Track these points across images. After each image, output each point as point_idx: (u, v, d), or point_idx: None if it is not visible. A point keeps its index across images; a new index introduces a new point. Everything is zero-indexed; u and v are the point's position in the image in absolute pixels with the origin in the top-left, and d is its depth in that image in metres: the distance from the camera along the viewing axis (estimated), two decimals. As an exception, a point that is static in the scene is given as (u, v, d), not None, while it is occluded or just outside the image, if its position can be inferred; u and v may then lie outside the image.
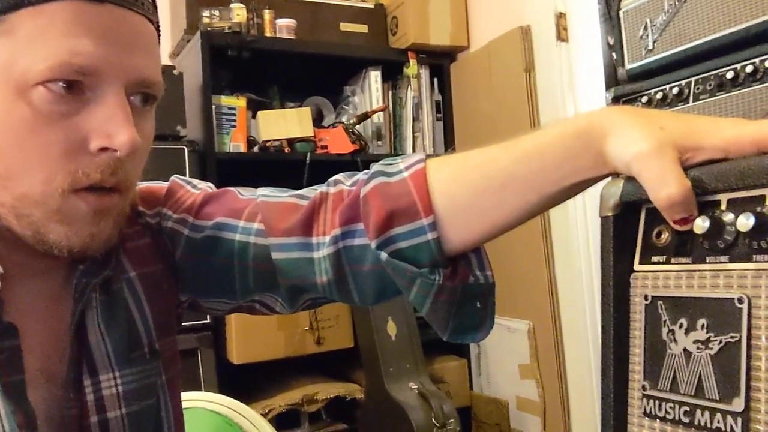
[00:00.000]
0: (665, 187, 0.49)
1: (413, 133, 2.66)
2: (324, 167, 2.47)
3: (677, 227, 0.52)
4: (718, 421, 0.48)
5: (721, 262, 0.50)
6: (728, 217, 0.49)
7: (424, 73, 2.65)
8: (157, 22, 0.63)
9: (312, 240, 0.66)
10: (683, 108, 1.24)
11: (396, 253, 0.62)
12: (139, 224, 0.72)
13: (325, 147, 2.47)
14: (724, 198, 0.50)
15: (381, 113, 2.61)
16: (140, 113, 0.60)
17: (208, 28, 2.29)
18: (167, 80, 2.21)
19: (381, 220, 0.62)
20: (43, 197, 0.56)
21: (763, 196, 0.47)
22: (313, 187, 0.72)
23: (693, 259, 0.52)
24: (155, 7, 0.63)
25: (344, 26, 2.60)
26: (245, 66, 2.37)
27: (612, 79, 1.44)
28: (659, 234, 0.55)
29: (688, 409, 0.50)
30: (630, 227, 0.57)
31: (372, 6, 2.71)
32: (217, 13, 2.32)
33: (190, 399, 1.14)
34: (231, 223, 0.70)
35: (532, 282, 2.23)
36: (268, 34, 2.43)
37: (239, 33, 2.31)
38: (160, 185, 0.76)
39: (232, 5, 2.34)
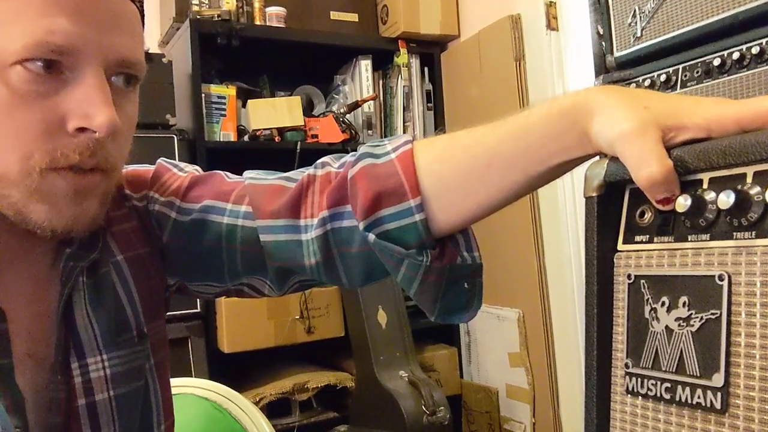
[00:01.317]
0: (646, 166, 0.49)
1: (404, 122, 2.66)
2: (314, 156, 2.44)
3: (660, 207, 0.52)
4: (699, 397, 0.48)
5: (702, 240, 0.50)
6: (710, 195, 0.49)
7: (415, 63, 2.65)
8: (140, 2, 0.62)
9: (300, 222, 0.67)
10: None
11: (384, 234, 0.62)
12: (125, 207, 0.72)
13: (316, 136, 2.46)
14: (705, 177, 0.51)
15: (371, 102, 2.61)
16: (122, 94, 0.59)
17: (198, 16, 2.28)
18: (156, 68, 2.20)
19: (368, 201, 0.62)
20: (20, 177, 0.55)
21: (744, 174, 0.48)
22: (300, 169, 0.72)
23: (675, 237, 0.52)
24: None
25: (334, 15, 2.60)
26: (235, 54, 2.36)
27: (601, 67, 1.45)
28: (642, 214, 0.55)
29: (669, 385, 0.51)
30: (614, 208, 0.57)
31: (363, -6, 2.71)
32: (206, 0, 2.31)
33: (179, 385, 1.14)
34: (218, 206, 0.70)
35: (521, 271, 2.24)
36: (258, 23, 2.42)
37: (229, 21, 2.30)
38: (146, 168, 0.76)
39: (221, -7, 2.32)
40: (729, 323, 0.47)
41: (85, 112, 0.55)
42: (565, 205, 2.09)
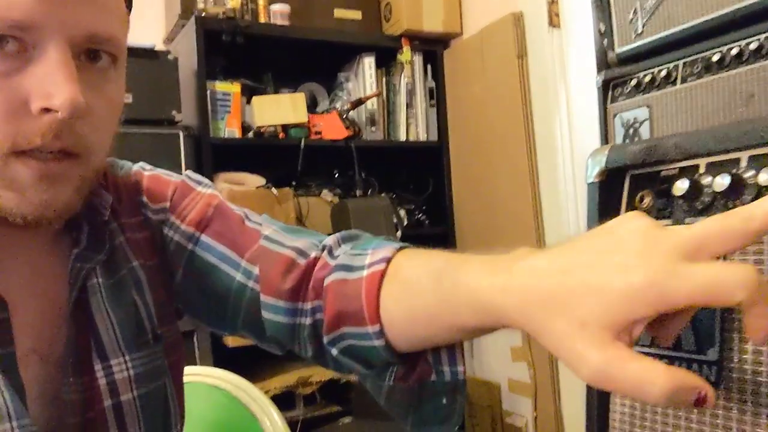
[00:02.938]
0: (649, 388, 0.38)
1: (407, 119, 2.68)
2: (318, 152, 2.49)
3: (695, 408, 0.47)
4: (695, 370, 0.51)
5: (699, 222, 0.52)
6: (706, 179, 0.52)
7: (418, 60, 2.67)
8: None
9: (299, 306, 0.65)
10: (671, 90, 1.27)
11: (348, 349, 0.61)
12: (141, 215, 0.72)
13: (319, 133, 2.49)
14: (702, 162, 0.53)
15: (375, 99, 2.63)
16: (97, 73, 0.56)
17: (203, 14, 2.30)
18: (162, 65, 2.23)
19: (331, 318, 0.61)
20: None
21: (738, 159, 0.50)
22: (314, 238, 0.69)
23: (674, 220, 0.55)
24: None
25: (338, 12, 2.62)
26: (239, 52, 2.39)
27: (603, 63, 1.47)
28: (642, 198, 0.58)
29: (667, 361, 0.53)
30: (615, 193, 0.60)
31: (366, -8, 2.73)
32: (211, -2, 2.33)
33: (190, 374, 1.17)
34: (234, 259, 0.69)
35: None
36: (262, 20, 2.44)
37: (233, 18, 2.32)
38: (168, 178, 0.75)
39: (226, -9, 2.35)
40: (724, 300, 0.50)
41: (46, 90, 0.51)
42: (567, 198, 2.11)
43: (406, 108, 2.68)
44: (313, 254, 0.66)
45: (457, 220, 2.70)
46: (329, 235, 0.69)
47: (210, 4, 2.31)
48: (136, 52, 2.00)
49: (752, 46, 1.15)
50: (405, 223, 2.59)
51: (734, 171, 0.49)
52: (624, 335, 0.40)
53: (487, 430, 2.48)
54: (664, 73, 1.30)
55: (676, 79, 1.29)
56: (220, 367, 1.96)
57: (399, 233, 2.45)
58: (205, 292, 0.70)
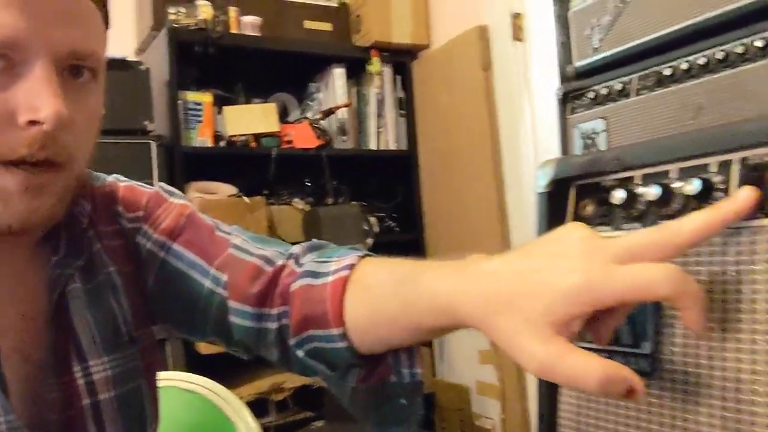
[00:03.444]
0: (586, 379, 0.43)
1: (377, 128, 2.74)
2: (289, 161, 2.53)
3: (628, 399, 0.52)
4: (632, 363, 0.56)
5: (635, 228, 0.58)
6: (641, 190, 0.57)
7: (387, 71, 2.73)
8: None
9: (265, 311, 0.68)
10: (626, 102, 1.33)
11: (313, 351, 0.64)
12: (117, 224, 0.75)
13: (291, 142, 2.52)
14: (638, 174, 0.59)
15: (345, 109, 2.68)
16: (78, 87, 0.60)
17: (175, 25, 2.33)
18: (134, 75, 2.26)
19: (297, 322, 0.64)
20: None
21: (668, 171, 0.56)
22: (281, 248, 0.73)
23: (613, 227, 0.60)
24: None
25: (308, 24, 2.66)
26: (211, 62, 2.42)
27: (563, 77, 1.53)
28: (585, 207, 0.63)
29: (607, 355, 0.58)
30: (561, 202, 0.65)
31: (336, 5, 2.78)
32: (183, 9, 2.36)
33: (163, 378, 1.19)
34: (203, 267, 0.71)
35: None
36: (233, 31, 2.48)
37: (205, 30, 2.36)
38: (143, 189, 0.78)
39: (197, 2, 2.38)
40: (656, 299, 0.55)
41: (32, 104, 0.55)
42: (531, 202, 2.17)
43: (376, 118, 2.73)
44: (279, 262, 0.69)
45: (427, 228, 2.75)
46: (296, 244, 0.72)
47: (181, 16, 2.34)
48: (108, 63, 2.01)
49: (700, 61, 1.22)
50: (376, 230, 2.63)
51: (665, 182, 0.55)
52: (565, 330, 0.44)
53: (457, 433, 2.53)
54: (619, 86, 1.37)
55: (630, 92, 1.36)
56: (193, 371, 1.98)
57: (370, 240, 2.50)
58: (175, 298, 0.73)
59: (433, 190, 2.70)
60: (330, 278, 0.63)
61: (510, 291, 0.46)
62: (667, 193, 0.54)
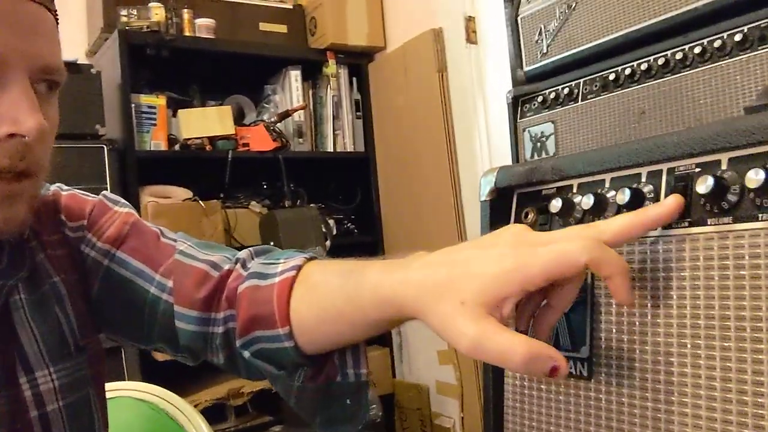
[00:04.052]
0: (511, 356, 0.46)
1: (334, 130, 2.74)
2: (246, 164, 2.52)
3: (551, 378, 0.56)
4: (571, 366, 0.58)
5: (572, 236, 0.60)
6: (577, 198, 0.59)
7: (343, 73, 2.73)
8: (55, 11, 0.65)
9: (211, 315, 0.69)
10: (573, 107, 1.36)
11: (259, 352, 0.65)
12: (60, 233, 0.75)
13: (247, 145, 2.51)
14: (575, 183, 0.60)
15: (302, 111, 2.67)
16: (45, 99, 0.62)
17: (126, 27, 2.30)
18: (84, 79, 2.21)
19: (244, 323, 0.65)
20: None
21: (603, 180, 0.58)
22: (228, 253, 0.74)
23: (552, 234, 0.62)
24: None
25: (264, 26, 2.65)
26: (165, 65, 2.39)
27: (514, 81, 1.56)
28: (526, 214, 0.65)
29: (548, 358, 0.60)
30: (504, 209, 0.67)
31: (291, 6, 2.77)
32: (135, 12, 2.33)
33: (116, 389, 1.18)
34: (148, 273, 0.72)
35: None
36: (187, 34, 2.45)
37: (158, 32, 2.33)
38: (86, 198, 0.78)
39: (150, 4, 2.35)
40: (592, 304, 0.57)
41: (13, 117, 0.57)
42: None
43: (333, 120, 2.73)
44: (226, 267, 0.70)
45: (386, 229, 2.77)
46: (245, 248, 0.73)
47: (133, 18, 2.31)
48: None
49: (642, 67, 1.26)
50: (334, 232, 2.64)
51: (598, 191, 0.57)
52: (496, 312, 0.48)
53: (417, 433, 2.55)
54: (566, 90, 1.40)
55: (577, 96, 1.39)
56: (150, 381, 1.97)
57: (328, 243, 2.50)
58: (121, 306, 0.73)
59: (391, 191, 2.72)
60: (277, 279, 0.65)
61: (446, 278, 0.50)
62: (601, 202, 0.56)
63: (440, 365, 2.44)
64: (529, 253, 0.48)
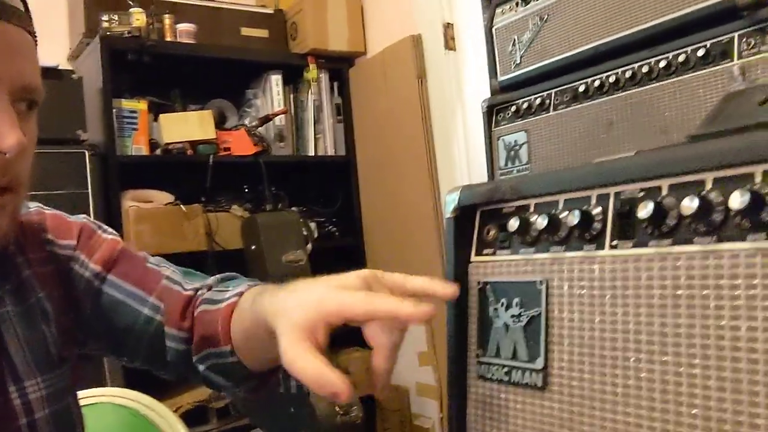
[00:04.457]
0: (305, 377, 0.52)
1: (315, 134, 2.76)
2: (227, 168, 2.53)
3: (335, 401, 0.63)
4: (527, 377, 0.61)
5: (529, 253, 0.63)
6: (533, 218, 0.62)
7: (324, 77, 2.76)
8: (35, 33, 0.68)
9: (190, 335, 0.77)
10: (545, 116, 1.40)
11: (212, 367, 0.73)
12: (46, 251, 0.78)
13: (228, 149, 2.53)
14: (532, 202, 0.64)
15: (283, 116, 2.69)
16: (24, 117, 0.64)
17: (108, 32, 2.30)
18: (66, 84, 2.22)
19: (197, 341, 0.74)
20: None
21: (557, 201, 0.61)
22: (204, 281, 0.80)
23: (511, 251, 0.65)
24: (31, 18, 0.68)
25: (245, 31, 2.67)
26: (146, 70, 2.40)
27: (490, 90, 1.60)
28: (488, 231, 0.68)
29: (507, 369, 0.64)
30: (468, 226, 0.70)
31: (272, 11, 2.79)
32: (116, 17, 2.33)
33: (97, 395, 1.20)
34: (141, 296, 0.78)
35: (426, 274, 2.38)
36: (168, 39, 2.46)
37: (139, 37, 2.34)
38: (69, 218, 0.82)
39: (131, 10, 2.36)
40: (547, 318, 0.60)
41: None
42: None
43: (314, 124, 2.75)
44: (200, 293, 0.78)
45: (366, 232, 2.80)
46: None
47: (114, 24, 2.32)
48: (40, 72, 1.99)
49: (611, 79, 1.30)
50: (315, 235, 2.66)
51: (552, 212, 0.60)
52: (312, 337, 0.55)
53: (397, 433, 2.58)
54: (539, 101, 1.44)
55: (549, 106, 1.43)
56: (132, 386, 1.98)
57: (309, 246, 2.52)
58: (110, 325, 0.78)
59: (372, 195, 2.75)
60: (222, 305, 0.73)
61: (288, 304, 0.58)
62: (554, 222, 0.60)
63: (420, 366, 2.48)
64: (333, 293, 0.57)
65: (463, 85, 2.27)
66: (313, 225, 2.71)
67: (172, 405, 2.19)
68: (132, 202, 2.30)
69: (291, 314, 0.56)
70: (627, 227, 0.54)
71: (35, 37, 0.68)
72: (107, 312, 0.78)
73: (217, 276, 0.80)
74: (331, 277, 0.60)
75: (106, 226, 0.84)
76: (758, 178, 0.46)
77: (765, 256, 0.45)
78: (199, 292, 0.78)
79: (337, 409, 2.19)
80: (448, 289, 0.63)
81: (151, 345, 0.77)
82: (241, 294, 0.72)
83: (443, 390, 2.39)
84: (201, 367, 0.74)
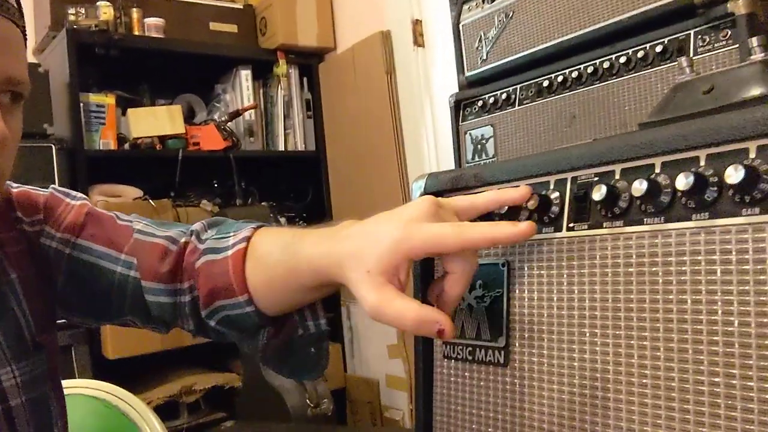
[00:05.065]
0: (404, 319, 0.53)
1: (284, 130, 2.77)
2: (197, 163, 2.53)
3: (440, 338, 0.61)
4: (490, 355, 0.64)
5: (491, 237, 0.66)
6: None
7: (294, 73, 2.77)
8: (23, 26, 0.68)
9: (177, 286, 0.74)
10: (511, 111, 1.44)
11: (224, 319, 0.71)
12: (16, 230, 0.77)
13: (197, 144, 2.53)
14: (495, 189, 0.67)
15: (252, 111, 2.70)
16: (8, 110, 0.64)
17: (74, 26, 2.29)
18: (32, 78, 2.20)
19: (205, 296, 0.71)
20: None
21: (518, 186, 0.64)
22: (182, 228, 0.78)
23: (475, 235, 0.68)
24: (21, 12, 0.68)
25: (214, 26, 2.67)
26: (114, 63, 2.39)
27: (458, 85, 1.63)
28: (453, 217, 0.71)
29: (471, 349, 0.66)
30: (434, 213, 0.72)
31: (241, 6, 2.79)
32: (83, 10, 2.32)
33: (68, 386, 1.20)
34: (113, 255, 0.76)
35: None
36: (136, 33, 2.45)
37: (107, 31, 2.33)
38: (37, 192, 0.80)
39: (98, 3, 2.34)
40: (508, 299, 0.63)
41: None
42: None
43: (284, 119, 2.77)
44: (182, 240, 0.75)
45: (336, 226, 2.81)
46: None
47: (81, 17, 2.30)
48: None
49: (573, 75, 1.34)
50: (285, 230, 2.67)
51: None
52: (394, 279, 0.54)
53: (368, 425, 2.61)
54: (504, 96, 1.47)
55: (514, 101, 1.47)
56: (101, 380, 1.98)
57: (279, 241, 2.53)
58: (87, 290, 0.77)
59: (342, 190, 2.77)
60: (230, 252, 0.70)
61: (357, 249, 0.57)
62: (515, 209, 0.62)
63: (390, 359, 2.51)
64: (414, 228, 0.55)
65: (431, 81, 2.30)
66: (283, 220, 2.72)
67: (142, 400, 2.18)
68: (100, 196, 2.29)
69: (366, 260, 0.55)
70: (583, 210, 0.57)
71: (24, 29, 0.68)
72: (82, 278, 0.76)
73: (202, 222, 0.77)
74: (393, 212, 0.58)
75: (75, 192, 0.82)
76: (702, 162, 0.50)
77: (708, 233, 0.49)
78: (192, 238, 0.75)
79: (308, 402, 2.21)
80: (523, 191, 0.61)
81: (133, 303, 0.75)
82: (248, 239, 0.70)
83: (413, 382, 2.42)
84: (211, 322, 0.71)
